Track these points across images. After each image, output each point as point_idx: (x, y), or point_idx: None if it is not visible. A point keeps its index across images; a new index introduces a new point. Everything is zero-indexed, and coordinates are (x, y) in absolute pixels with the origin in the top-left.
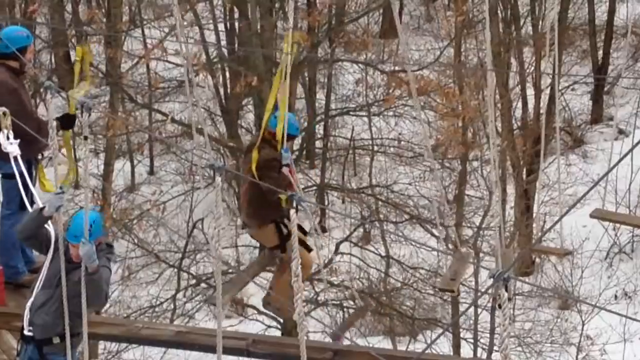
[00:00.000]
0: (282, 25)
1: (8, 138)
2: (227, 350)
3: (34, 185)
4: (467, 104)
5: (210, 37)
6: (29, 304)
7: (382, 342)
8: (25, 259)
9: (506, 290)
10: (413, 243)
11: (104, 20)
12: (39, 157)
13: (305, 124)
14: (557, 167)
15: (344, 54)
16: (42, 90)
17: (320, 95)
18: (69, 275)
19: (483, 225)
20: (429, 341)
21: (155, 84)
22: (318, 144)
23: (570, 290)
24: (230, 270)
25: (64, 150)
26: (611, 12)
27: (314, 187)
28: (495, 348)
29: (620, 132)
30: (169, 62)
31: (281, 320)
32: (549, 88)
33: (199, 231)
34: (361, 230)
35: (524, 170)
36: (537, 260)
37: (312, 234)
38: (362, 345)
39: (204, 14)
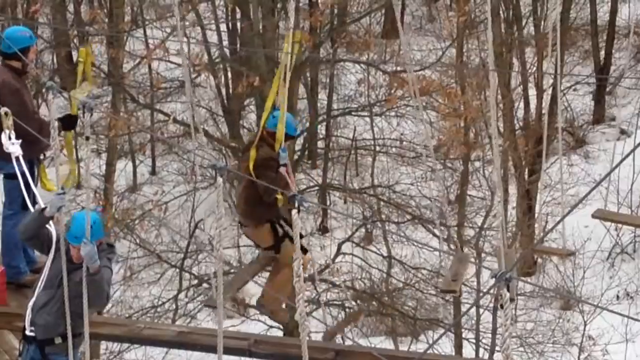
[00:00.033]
0: (284, 26)
1: (10, 138)
2: (229, 351)
3: (35, 185)
4: (469, 104)
5: (213, 38)
6: (30, 304)
7: (384, 343)
8: (27, 259)
9: (508, 291)
10: (415, 243)
11: (106, 20)
12: (41, 157)
13: (307, 124)
14: (560, 167)
15: (346, 54)
16: (44, 90)
17: (322, 96)
18: (70, 275)
19: (485, 226)
20: (430, 341)
21: (157, 84)
22: (320, 144)
23: (572, 290)
24: (232, 271)
25: (65, 151)
26: (613, 12)
27: (316, 187)
28: (497, 348)
29: (622, 132)
30: (171, 62)
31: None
32: (551, 88)
33: (200, 231)
34: (363, 230)
35: (526, 170)
36: (539, 260)
37: (307, 236)
38: (364, 345)
39: (206, 14)
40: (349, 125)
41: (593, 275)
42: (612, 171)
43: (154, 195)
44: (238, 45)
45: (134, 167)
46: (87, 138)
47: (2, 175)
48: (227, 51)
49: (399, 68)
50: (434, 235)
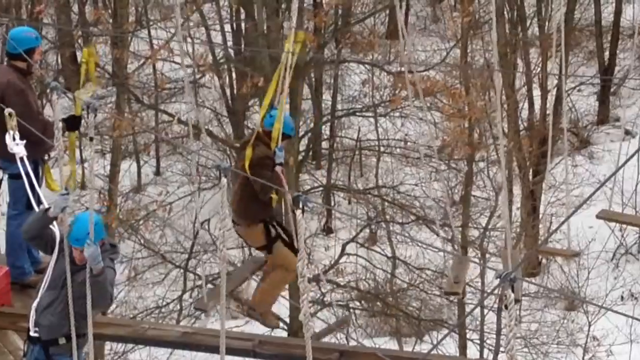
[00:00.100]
0: (288, 26)
1: (14, 139)
2: (233, 351)
3: (40, 186)
4: (473, 104)
5: (217, 38)
6: (34, 304)
7: (388, 343)
8: (31, 260)
9: (512, 291)
10: (419, 244)
11: (110, 21)
12: (46, 157)
13: (312, 124)
14: (565, 168)
15: (351, 55)
16: (48, 91)
17: (327, 96)
18: (73, 276)
19: (489, 226)
20: (435, 342)
21: (162, 85)
22: (324, 144)
23: (576, 291)
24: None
25: (68, 152)
26: (617, 13)
27: (320, 188)
28: (502, 349)
29: (627, 133)
30: (175, 62)
31: (287, 321)
32: (555, 89)
33: (205, 232)
34: (367, 231)
35: (530, 171)
36: (544, 261)
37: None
38: (369, 346)
39: (210, 15)
40: (353, 125)
41: (597, 275)
42: (617, 172)
43: (158, 195)
44: (242, 46)
45: (139, 167)
46: (91, 139)
47: (6, 176)
48: (231, 52)
49: (402, 69)
50: (438, 235)
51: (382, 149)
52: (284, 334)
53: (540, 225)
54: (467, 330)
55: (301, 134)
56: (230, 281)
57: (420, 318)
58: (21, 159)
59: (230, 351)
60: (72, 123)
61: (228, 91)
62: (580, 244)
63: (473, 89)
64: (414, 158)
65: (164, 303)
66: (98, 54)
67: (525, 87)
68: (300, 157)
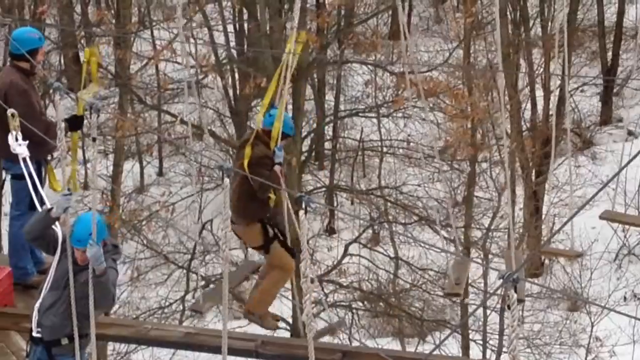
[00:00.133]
0: (291, 26)
1: (17, 139)
2: (236, 352)
3: (43, 186)
4: (476, 105)
5: (220, 39)
6: (37, 305)
7: (391, 344)
8: (34, 260)
9: (515, 292)
10: (422, 244)
11: (113, 21)
12: (49, 158)
13: (315, 125)
14: (568, 168)
15: (353, 56)
16: (51, 91)
17: (330, 97)
18: (76, 276)
19: (492, 227)
20: (437, 342)
21: (164, 85)
22: (327, 145)
23: (579, 291)
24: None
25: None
26: (620, 13)
27: (323, 189)
28: (504, 349)
29: (630, 133)
30: (178, 63)
31: (290, 321)
32: (558, 89)
33: (208, 232)
34: (370, 231)
35: (533, 171)
36: (547, 261)
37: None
38: (371, 346)
39: (213, 15)
40: (356, 126)
41: (600, 276)
42: (620, 172)
43: (161, 196)
44: (245, 46)
45: (141, 168)
46: (94, 139)
47: (9, 176)
48: (234, 52)
49: (405, 69)
50: (439, 235)
51: (384, 149)
52: (287, 334)
53: (543, 226)
54: (469, 331)
55: (304, 134)
56: (221, 289)
57: (423, 318)
58: (24, 159)
59: (233, 352)
60: (74, 123)
61: (231, 92)
62: (583, 245)
63: (476, 89)
64: (417, 159)
65: (167, 303)
66: (101, 54)
67: (528, 87)
68: (303, 158)
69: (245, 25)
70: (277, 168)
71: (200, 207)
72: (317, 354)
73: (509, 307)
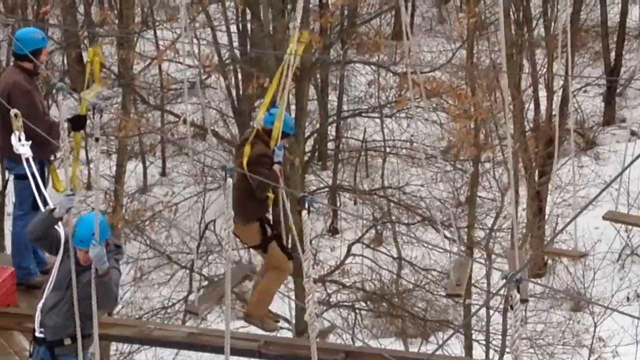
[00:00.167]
0: (294, 26)
1: (20, 140)
2: (238, 352)
3: (46, 186)
4: (479, 105)
5: (223, 39)
6: (39, 305)
7: (394, 344)
8: (37, 260)
9: (518, 292)
10: (425, 245)
11: (116, 21)
12: (52, 158)
13: (318, 125)
14: (571, 168)
15: (356, 56)
16: (54, 91)
17: (333, 97)
18: (78, 277)
19: (495, 227)
20: (440, 343)
21: (167, 86)
22: (330, 145)
23: (582, 292)
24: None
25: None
26: (623, 13)
27: (326, 189)
28: (507, 350)
29: (633, 133)
30: (181, 63)
31: (292, 322)
32: (561, 90)
33: (210, 232)
34: (373, 231)
35: (536, 172)
36: (549, 262)
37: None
38: (374, 346)
39: (216, 15)
40: (359, 126)
41: (603, 276)
42: (623, 172)
43: (164, 196)
44: (248, 47)
45: (144, 168)
46: (97, 139)
47: (12, 176)
48: (237, 52)
49: (408, 70)
50: (440, 233)
51: (387, 149)
52: (290, 334)
53: (546, 226)
54: (472, 331)
55: (307, 134)
56: (221, 286)
57: (426, 319)
58: (27, 159)
59: (235, 352)
60: (77, 122)
61: (234, 92)
62: (586, 245)
63: (479, 89)
64: (420, 159)
65: (170, 304)
66: (104, 54)
67: (531, 88)
68: (306, 158)
69: (249, 25)
70: (276, 167)
71: (203, 207)
72: (319, 354)
73: (511, 307)
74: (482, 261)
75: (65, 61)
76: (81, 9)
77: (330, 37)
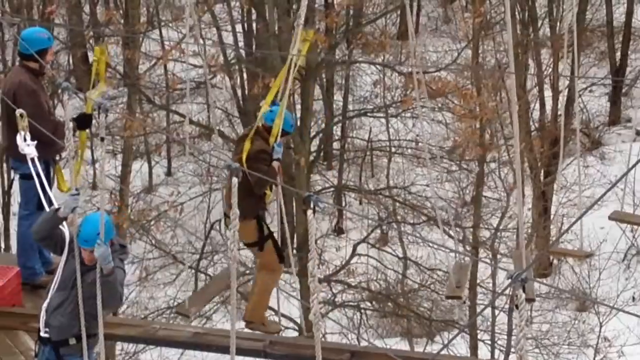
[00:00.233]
0: (297, 24)
1: (25, 139)
2: (244, 352)
3: (51, 186)
4: (484, 105)
5: (228, 39)
6: (44, 305)
7: (399, 344)
8: (42, 260)
9: (523, 291)
10: (430, 244)
11: (122, 21)
12: (57, 158)
13: (323, 125)
14: (577, 168)
15: (362, 56)
16: (59, 91)
17: (338, 97)
18: (83, 276)
19: (501, 227)
20: (446, 342)
21: (173, 85)
22: (335, 145)
23: (587, 291)
24: (247, 272)
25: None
26: (629, 13)
27: (332, 189)
28: (513, 349)
29: (638, 133)
30: (187, 63)
31: (298, 322)
32: (566, 89)
33: (216, 232)
34: (378, 231)
35: (542, 171)
36: (555, 261)
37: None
38: (380, 346)
39: (221, 15)
40: (364, 126)
41: (609, 276)
42: (628, 172)
43: (169, 196)
44: (254, 47)
45: (150, 168)
46: (102, 139)
47: (18, 176)
48: (242, 52)
49: (414, 69)
50: (450, 236)
51: (393, 149)
52: (295, 334)
53: (552, 226)
54: (478, 331)
55: (312, 134)
56: (209, 289)
57: (431, 319)
58: (32, 159)
59: (241, 352)
60: (82, 121)
61: (239, 92)
62: (592, 245)
63: (484, 89)
64: (425, 158)
65: (175, 303)
66: (109, 54)
67: (537, 87)
68: (311, 158)
69: (254, 25)
70: (275, 164)
71: (209, 207)
72: (325, 354)
73: (517, 307)
74: (488, 261)
75: (71, 61)
76: (87, 8)
77: (335, 37)
